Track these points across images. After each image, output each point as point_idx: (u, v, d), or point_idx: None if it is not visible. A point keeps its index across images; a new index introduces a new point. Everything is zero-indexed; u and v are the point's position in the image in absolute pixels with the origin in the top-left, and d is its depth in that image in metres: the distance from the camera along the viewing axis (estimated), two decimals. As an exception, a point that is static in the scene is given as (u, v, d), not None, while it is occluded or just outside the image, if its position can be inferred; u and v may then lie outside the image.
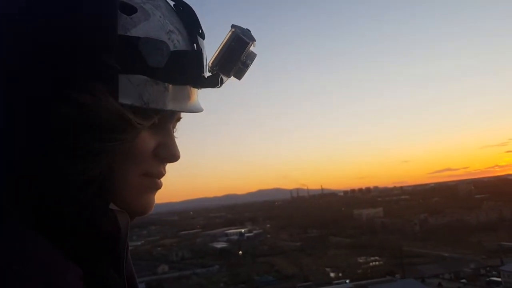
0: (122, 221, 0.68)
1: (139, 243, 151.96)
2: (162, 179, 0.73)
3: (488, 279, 71.03)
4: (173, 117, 0.74)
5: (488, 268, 78.67)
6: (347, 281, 68.67)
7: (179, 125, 0.75)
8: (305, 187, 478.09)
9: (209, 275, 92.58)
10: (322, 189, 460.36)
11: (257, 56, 0.76)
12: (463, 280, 70.61)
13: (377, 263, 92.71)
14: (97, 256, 0.64)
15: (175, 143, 0.75)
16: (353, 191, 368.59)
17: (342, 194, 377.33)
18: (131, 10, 0.63)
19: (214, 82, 0.75)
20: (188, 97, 0.71)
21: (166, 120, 0.72)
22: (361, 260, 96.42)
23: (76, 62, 0.58)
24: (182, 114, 0.77)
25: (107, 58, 0.59)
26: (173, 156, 0.74)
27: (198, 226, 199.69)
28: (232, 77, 0.77)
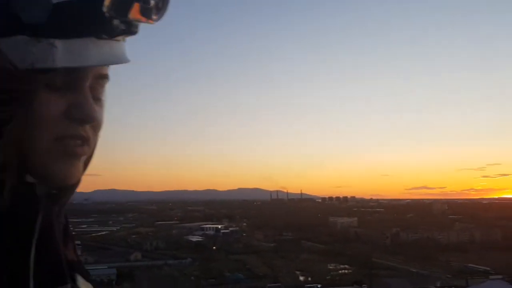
0: (40, 190, 0.65)
1: (115, 228, 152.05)
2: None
3: (453, 298, 73.40)
4: (86, 74, 0.68)
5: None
6: (319, 286, 70.14)
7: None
8: (285, 190, 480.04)
9: (181, 267, 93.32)
10: (302, 194, 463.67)
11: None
12: (428, 297, 72.56)
13: (346, 271, 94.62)
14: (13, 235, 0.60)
15: (90, 103, 0.69)
16: (330, 198, 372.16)
17: (320, 200, 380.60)
18: None
19: (120, 28, 0.67)
20: (90, 49, 0.65)
21: (78, 79, 0.68)
22: (331, 267, 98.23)
23: None
24: (113, 72, 0.72)
25: None
26: (87, 116, 0.69)
27: (175, 218, 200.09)
28: (149, 21, 0.70)
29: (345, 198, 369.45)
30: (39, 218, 0.64)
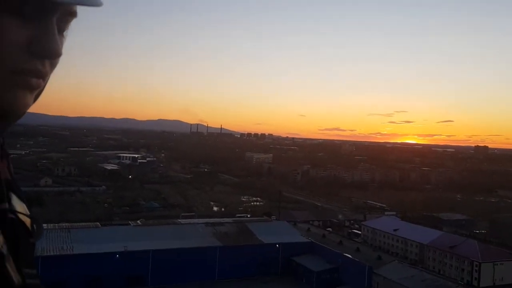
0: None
1: (23, 152, 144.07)
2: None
3: (350, 230, 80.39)
4: (56, 8, 0.66)
5: (352, 221, 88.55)
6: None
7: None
8: (206, 124, 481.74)
9: (95, 194, 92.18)
10: (221, 129, 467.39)
11: None
12: (329, 229, 78.70)
13: (258, 203, 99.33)
14: None
15: (54, 38, 0.66)
16: (249, 135, 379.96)
17: (239, 136, 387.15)
18: None
19: None
20: None
21: (46, 11, 0.65)
22: (244, 199, 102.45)
23: None
24: (80, 11, 0.70)
25: None
26: (49, 51, 0.66)
27: (90, 145, 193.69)
28: None
29: (263, 135, 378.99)
30: None
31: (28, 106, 0.68)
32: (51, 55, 0.67)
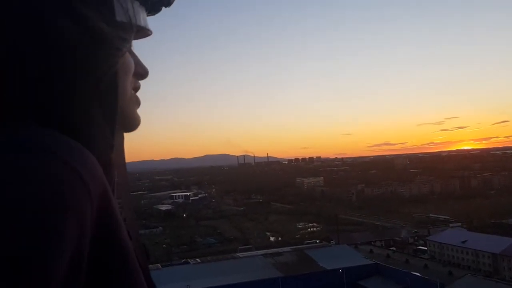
0: (118, 140, 0.71)
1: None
2: None
3: (415, 247, 76.93)
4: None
5: (416, 238, 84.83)
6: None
7: None
8: (252, 154, 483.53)
9: (152, 236, 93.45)
10: (268, 157, 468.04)
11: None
12: (393, 248, 75.75)
13: (314, 229, 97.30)
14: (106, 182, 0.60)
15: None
16: (297, 160, 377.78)
17: (286, 162, 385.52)
18: None
19: (157, 5, 0.79)
20: (144, 14, 0.76)
21: (132, 39, 0.75)
22: (300, 226, 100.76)
23: None
24: None
25: None
26: (146, 71, 0.80)
27: (143, 188, 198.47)
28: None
29: (311, 159, 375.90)
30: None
31: (139, 118, 0.79)
32: (147, 74, 0.80)
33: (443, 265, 60.08)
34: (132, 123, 0.77)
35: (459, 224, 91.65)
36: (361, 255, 53.39)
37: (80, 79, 0.59)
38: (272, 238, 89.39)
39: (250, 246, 71.58)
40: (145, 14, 0.75)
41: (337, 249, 53.87)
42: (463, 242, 66.20)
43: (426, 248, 73.79)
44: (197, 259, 50.55)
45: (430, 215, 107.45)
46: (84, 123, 0.59)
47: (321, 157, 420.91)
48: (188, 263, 49.11)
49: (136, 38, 0.77)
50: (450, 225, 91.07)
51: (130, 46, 0.74)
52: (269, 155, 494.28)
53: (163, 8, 0.80)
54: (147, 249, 0.80)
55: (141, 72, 0.78)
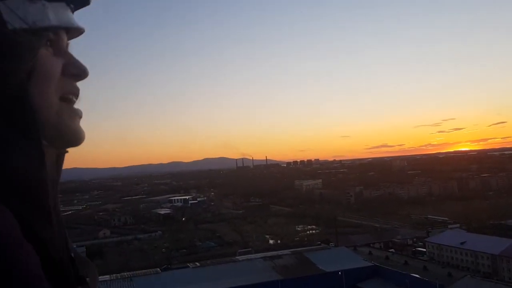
0: (49, 159, 0.65)
1: (80, 207, 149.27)
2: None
3: (414, 249, 76.94)
4: (63, 36, 0.74)
5: (415, 239, 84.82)
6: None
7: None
8: (250, 157, 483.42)
9: (151, 241, 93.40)
10: (267, 160, 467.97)
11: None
12: (392, 250, 75.74)
13: (313, 231, 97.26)
14: (24, 206, 0.58)
15: (77, 59, 0.75)
16: (295, 162, 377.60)
17: (285, 165, 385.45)
18: None
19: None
20: (68, 14, 0.74)
21: (58, 40, 0.73)
22: (299, 228, 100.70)
23: None
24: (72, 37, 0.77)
25: None
26: (82, 70, 0.74)
27: (142, 192, 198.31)
28: None
29: (309, 161, 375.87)
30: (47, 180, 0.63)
31: (84, 135, 0.73)
32: (84, 73, 0.75)
33: (442, 267, 60.04)
34: (68, 138, 0.71)
35: (458, 225, 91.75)
36: (360, 257, 53.35)
37: None
38: (271, 241, 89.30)
39: (250, 249, 71.53)
40: (61, 11, 0.72)
41: (336, 251, 53.91)
42: (462, 243, 66.27)
43: (425, 250, 73.80)
44: (197, 263, 50.51)
45: (429, 216, 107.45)
46: None
47: (320, 159, 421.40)
48: (188, 267, 49.09)
49: (70, 37, 0.76)
50: (449, 226, 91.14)
51: (57, 46, 0.72)
52: (267, 158, 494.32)
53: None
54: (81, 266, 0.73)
55: (75, 72, 0.73)
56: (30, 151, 0.60)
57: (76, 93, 0.73)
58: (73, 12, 0.76)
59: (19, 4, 0.65)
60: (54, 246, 0.62)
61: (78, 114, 0.73)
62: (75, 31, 0.76)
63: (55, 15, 0.70)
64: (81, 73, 0.74)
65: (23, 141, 0.59)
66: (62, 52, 0.73)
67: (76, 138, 0.72)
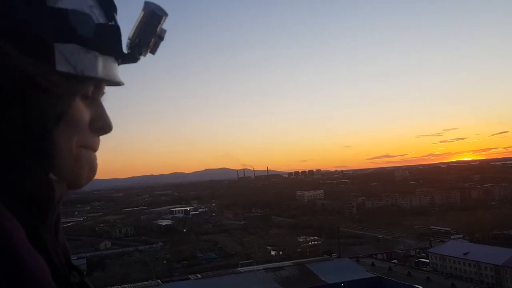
0: (59, 190, 0.68)
1: (81, 219, 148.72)
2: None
3: (417, 260, 76.35)
4: (102, 88, 0.78)
5: (418, 250, 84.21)
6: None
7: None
8: (252, 168, 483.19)
9: (153, 252, 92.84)
10: (268, 170, 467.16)
11: (167, 31, 0.79)
12: (395, 261, 75.15)
13: (316, 242, 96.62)
14: (31, 221, 0.62)
15: (107, 114, 0.78)
16: (296, 173, 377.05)
17: (286, 175, 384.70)
18: None
19: (133, 56, 0.79)
20: (114, 68, 0.77)
21: (97, 92, 0.76)
22: (301, 240, 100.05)
23: (11, 37, 0.61)
24: (106, 89, 0.80)
25: (41, 30, 0.63)
26: (108, 126, 0.77)
27: (143, 203, 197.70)
28: (147, 54, 0.81)
29: (311, 172, 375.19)
30: (55, 211, 0.69)
31: (88, 178, 0.76)
32: (108, 129, 0.78)
33: (445, 278, 59.55)
34: (74, 183, 0.74)
35: (461, 235, 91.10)
36: (363, 268, 52.94)
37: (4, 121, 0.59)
38: (273, 252, 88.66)
39: (251, 260, 71.02)
40: (109, 65, 0.75)
41: (339, 262, 53.46)
42: (465, 254, 65.71)
43: (428, 261, 73.23)
44: (198, 275, 50.10)
45: (431, 227, 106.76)
46: (4, 165, 0.59)
47: (321, 170, 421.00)
48: (189, 278, 48.68)
49: (108, 84, 0.78)
50: (452, 237, 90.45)
51: (93, 97, 0.75)
52: (269, 168, 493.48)
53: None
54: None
55: (100, 127, 0.77)
56: (41, 177, 0.64)
57: (95, 148, 0.77)
58: (118, 65, 0.79)
59: (73, 50, 0.68)
60: (58, 256, 0.68)
61: (91, 163, 0.76)
62: (115, 84, 0.79)
63: (103, 68, 0.73)
64: (106, 128, 0.78)
65: (36, 167, 0.63)
66: (96, 103, 0.76)
67: (81, 185, 0.76)
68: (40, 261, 0.59)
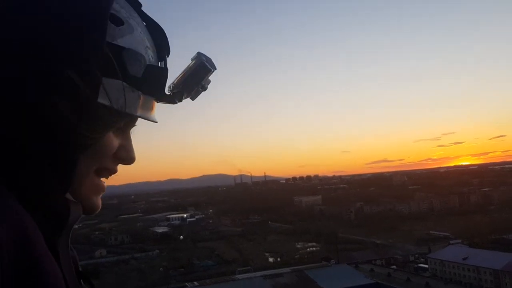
0: (74, 211, 0.71)
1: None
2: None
3: (416, 265, 75.76)
4: (135, 122, 0.81)
5: (416, 255, 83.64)
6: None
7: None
8: (249, 174, 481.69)
9: (149, 260, 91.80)
10: (265, 176, 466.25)
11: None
12: (393, 266, 74.46)
13: (314, 248, 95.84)
14: (49, 233, 0.65)
15: (133, 147, 0.82)
16: (294, 178, 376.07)
17: (284, 181, 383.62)
18: (118, 22, 0.71)
19: (173, 99, 0.83)
20: (151, 107, 0.79)
21: (129, 125, 0.80)
22: (299, 246, 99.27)
23: (64, 64, 0.63)
24: (138, 122, 0.82)
25: (94, 61, 0.65)
26: (131, 158, 0.81)
27: (139, 210, 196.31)
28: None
29: (309, 177, 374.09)
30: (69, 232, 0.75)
31: (99, 205, 0.81)
32: (131, 161, 0.82)
33: (444, 283, 58.75)
34: (87, 208, 0.78)
35: (460, 240, 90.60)
36: (362, 274, 52.24)
37: (35, 143, 0.62)
38: (271, 259, 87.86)
39: (249, 267, 70.30)
40: (149, 103, 0.78)
41: (338, 268, 52.94)
42: (464, 259, 65.41)
43: (427, 266, 72.71)
44: (195, 282, 49.38)
45: (430, 232, 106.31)
46: (32, 182, 0.64)
47: (319, 175, 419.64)
48: (186, 286, 47.87)
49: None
50: (451, 242, 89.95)
51: (125, 129, 0.79)
52: (266, 174, 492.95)
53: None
54: None
55: (124, 158, 0.80)
56: (61, 197, 0.68)
57: (113, 172, 0.81)
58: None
59: (121, 87, 0.71)
60: (69, 266, 0.73)
61: (103, 190, 0.80)
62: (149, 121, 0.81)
63: (142, 106, 0.76)
64: (129, 160, 0.81)
65: (58, 187, 0.68)
66: (125, 135, 0.80)
67: (92, 211, 0.80)
68: (54, 264, 0.64)
